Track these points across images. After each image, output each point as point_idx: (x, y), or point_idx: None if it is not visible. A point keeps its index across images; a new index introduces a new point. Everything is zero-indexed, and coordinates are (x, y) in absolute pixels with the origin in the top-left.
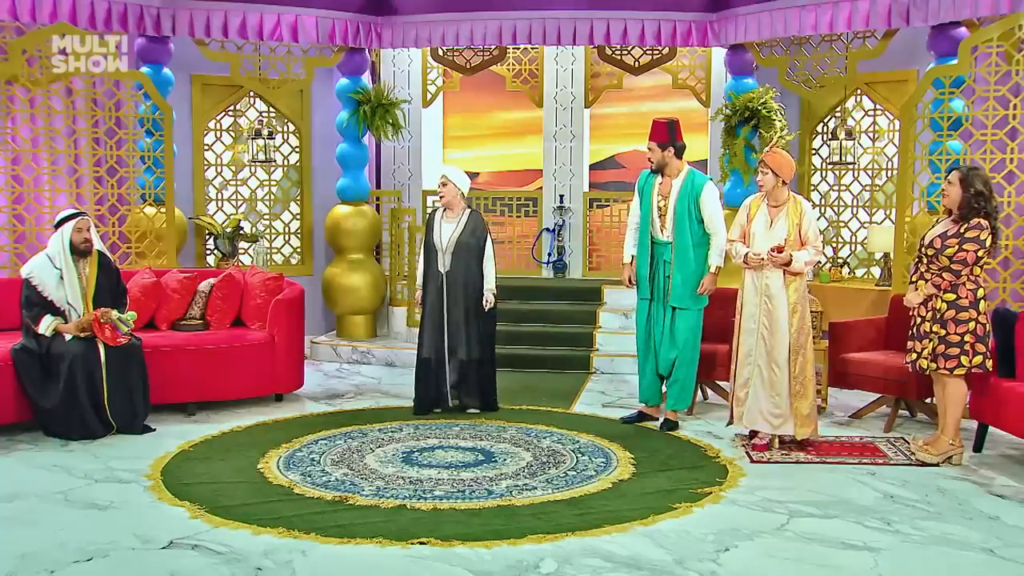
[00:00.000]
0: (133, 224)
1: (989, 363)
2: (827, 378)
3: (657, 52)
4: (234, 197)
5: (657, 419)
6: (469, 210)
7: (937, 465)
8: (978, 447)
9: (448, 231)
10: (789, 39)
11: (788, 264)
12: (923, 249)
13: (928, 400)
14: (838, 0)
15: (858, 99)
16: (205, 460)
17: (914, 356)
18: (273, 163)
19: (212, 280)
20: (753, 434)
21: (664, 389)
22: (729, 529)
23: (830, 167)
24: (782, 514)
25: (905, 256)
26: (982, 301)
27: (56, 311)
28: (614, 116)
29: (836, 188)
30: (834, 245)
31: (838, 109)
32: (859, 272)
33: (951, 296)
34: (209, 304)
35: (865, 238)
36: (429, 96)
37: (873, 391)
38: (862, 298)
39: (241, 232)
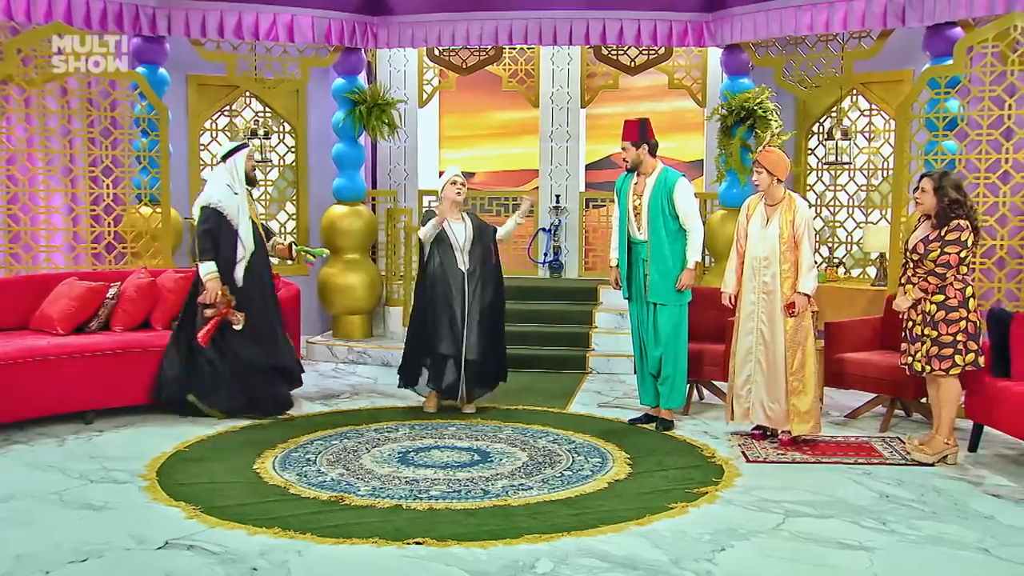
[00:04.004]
0: (129, 224)
1: (981, 360)
2: (823, 378)
3: (653, 52)
4: None
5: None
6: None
7: (932, 465)
8: (973, 447)
9: (460, 230)
10: (785, 39)
11: (809, 297)
12: (907, 254)
13: (923, 400)
14: (834, 0)
15: (854, 99)
16: (201, 460)
17: (908, 359)
18: (269, 163)
19: None
20: (759, 430)
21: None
22: (725, 529)
23: (826, 167)
24: (778, 514)
25: (900, 256)
26: (971, 299)
27: (231, 248)
28: (610, 116)
29: (832, 188)
30: (830, 245)
31: (834, 109)
32: (855, 272)
33: (940, 297)
34: None
35: (861, 238)
36: (425, 96)
37: (868, 391)
38: (858, 298)
39: None
